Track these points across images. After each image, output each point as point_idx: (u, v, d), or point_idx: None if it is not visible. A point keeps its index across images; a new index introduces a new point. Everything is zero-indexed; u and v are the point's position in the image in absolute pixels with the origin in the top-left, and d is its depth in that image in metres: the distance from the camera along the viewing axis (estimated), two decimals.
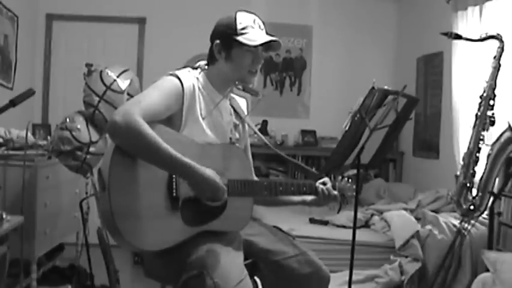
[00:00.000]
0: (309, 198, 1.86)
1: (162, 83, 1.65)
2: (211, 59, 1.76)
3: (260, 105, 2.26)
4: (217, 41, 1.71)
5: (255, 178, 1.94)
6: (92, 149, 2.70)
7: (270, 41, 1.68)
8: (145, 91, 1.62)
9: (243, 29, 1.68)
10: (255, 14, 1.75)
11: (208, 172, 1.54)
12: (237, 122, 1.87)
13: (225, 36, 1.70)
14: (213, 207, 1.64)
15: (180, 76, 1.67)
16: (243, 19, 1.70)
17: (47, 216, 3.05)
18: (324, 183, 1.84)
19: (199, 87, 1.71)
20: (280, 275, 1.76)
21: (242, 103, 1.92)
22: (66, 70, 4.59)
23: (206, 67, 1.78)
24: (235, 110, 1.87)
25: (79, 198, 2.93)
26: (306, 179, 1.85)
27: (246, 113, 1.91)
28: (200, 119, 1.68)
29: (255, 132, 1.94)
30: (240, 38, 1.67)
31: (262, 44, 1.68)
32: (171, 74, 1.68)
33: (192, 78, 1.71)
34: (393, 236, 3.21)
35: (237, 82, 1.75)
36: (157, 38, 4.70)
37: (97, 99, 2.66)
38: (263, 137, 1.95)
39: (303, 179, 1.88)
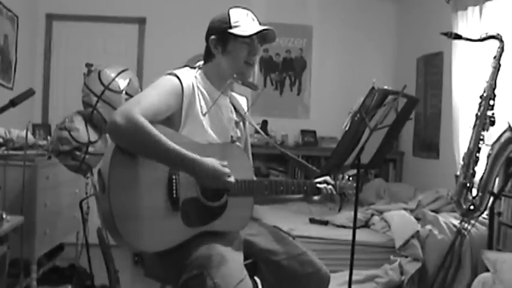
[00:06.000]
0: None
1: (161, 83, 1.65)
2: (208, 56, 1.77)
3: (260, 105, 2.26)
4: (213, 37, 1.73)
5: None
6: (90, 149, 2.70)
7: (263, 30, 1.70)
8: (145, 91, 1.63)
9: (236, 21, 1.71)
10: (248, 9, 1.77)
11: (211, 162, 1.54)
12: (238, 120, 1.88)
13: (220, 30, 1.72)
14: (213, 207, 1.64)
15: (179, 75, 1.67)
16: (236, 14, 1.73)
17: (47, 216, 3.05)
18: (325, 182, 1.85)
19: (198, 86, 1.71)
20: (280, 275, 1.75)
21: (242, 101, 1.93)
22: (66, 70, 4.59)
23: (203, 65, 1.78)
24: (235, 108, 1.88)
25: (79, 198, 2.93)
26: (307, 179, 1.86)
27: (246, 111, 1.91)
28: (200, 117, 1.68)
29: (257, 130, 1.94)
30: (233, 30, 1.69)
31: (255, 34, 1.69)
32: (169, 73, 1.69)
33: (191, 76, 1.71)
34: (393, 236, 3.21)
35: (235, 75, 1.75)
36: (157, 38, 4.70)
37: (95, 99, 2.66)
38: (264, 134, 1.95)
39: (303, 178, 1.88)
